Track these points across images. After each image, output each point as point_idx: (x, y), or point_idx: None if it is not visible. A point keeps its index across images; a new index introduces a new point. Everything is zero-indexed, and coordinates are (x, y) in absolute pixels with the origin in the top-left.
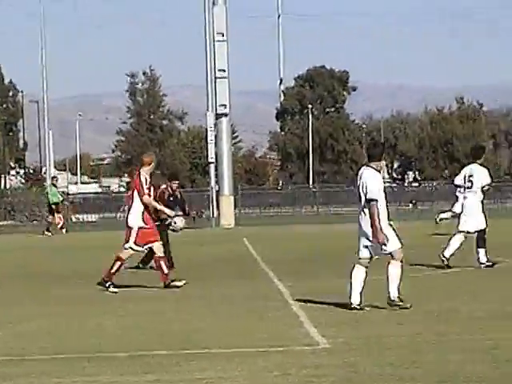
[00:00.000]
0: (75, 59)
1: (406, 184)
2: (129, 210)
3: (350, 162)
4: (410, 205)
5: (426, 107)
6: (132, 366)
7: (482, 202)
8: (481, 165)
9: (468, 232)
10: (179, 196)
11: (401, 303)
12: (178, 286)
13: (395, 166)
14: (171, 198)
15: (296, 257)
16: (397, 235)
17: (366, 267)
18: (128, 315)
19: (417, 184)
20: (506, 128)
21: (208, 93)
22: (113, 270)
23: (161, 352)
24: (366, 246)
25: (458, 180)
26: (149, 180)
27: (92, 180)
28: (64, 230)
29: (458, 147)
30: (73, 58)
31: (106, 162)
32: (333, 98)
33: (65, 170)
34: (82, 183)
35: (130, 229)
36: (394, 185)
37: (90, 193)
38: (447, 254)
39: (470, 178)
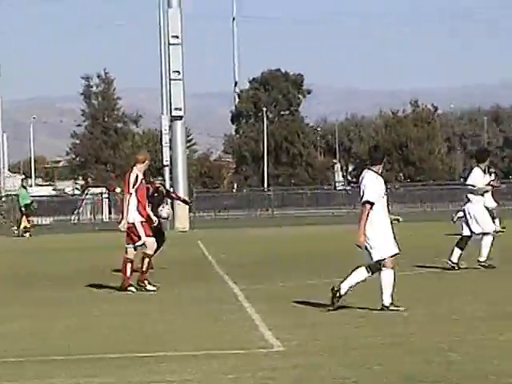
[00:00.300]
0: (29, 61)
1: None
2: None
3: (304, 164)
4: None
5: (381, 110)
6: (88, 369)
7: (485, 205)
8: (480, 168)
9: (490, 231)
10: (164, 192)
11: (395, 308)
12: (133, 291)
13: (350, 168)
14: (156, 194)
15: (251, 260)
16: (396, 241)
17: (392, 268)
18: (103, 315)
19: None
20: (460, 131)
21: (163, 95)
22: (144, 269)
23: (115, 355)
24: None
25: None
26: (141, 177)
27: (46, 183)
28: (28, 234)
29: (413, 150)
30: (27, 60)
31: (60, 164)
32: (287, 101)
33: (19, 173)
34: (36, 186)
35: (133, 225)
36: (349, 188)
37: (45, 195)
38: (483, 258)
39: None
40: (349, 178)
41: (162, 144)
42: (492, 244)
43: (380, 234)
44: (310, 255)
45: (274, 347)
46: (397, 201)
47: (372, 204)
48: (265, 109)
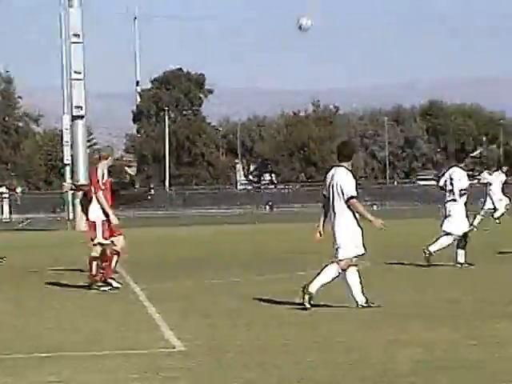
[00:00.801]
0: None
1: (262, 186)
2: (88, 204)
3: (206, 164)
4: (267, 207)
5: (283, 110)
6: None
7: (465, 204)
8: (462, 168)
9: (456, 234)
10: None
11: (372, 305)
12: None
13: (251, 168)
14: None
15: (152, 259)
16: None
17: (343, 270)
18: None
19: (273, 186)
20: (361, 131)
21: (64, 95)
22: (93, 272)
23: (19, 355)
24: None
25: (442, 182)
26: (106, 174)
27: None
28: None
29: (314, 150)
30: None
31: None
32: (189, 100)
33: None
34: None
35: (94, 223)
36: (250, 187)
37: None
38: (433, 248)
39: (451, 182)
40: (250, 177)
41: (62, 143)
42: (447, 246)
43: (349, 233)
44: (212, 255)
45: (175, 347)
46: (298, 201)
47: (356, 197)
48: (166, 108)
